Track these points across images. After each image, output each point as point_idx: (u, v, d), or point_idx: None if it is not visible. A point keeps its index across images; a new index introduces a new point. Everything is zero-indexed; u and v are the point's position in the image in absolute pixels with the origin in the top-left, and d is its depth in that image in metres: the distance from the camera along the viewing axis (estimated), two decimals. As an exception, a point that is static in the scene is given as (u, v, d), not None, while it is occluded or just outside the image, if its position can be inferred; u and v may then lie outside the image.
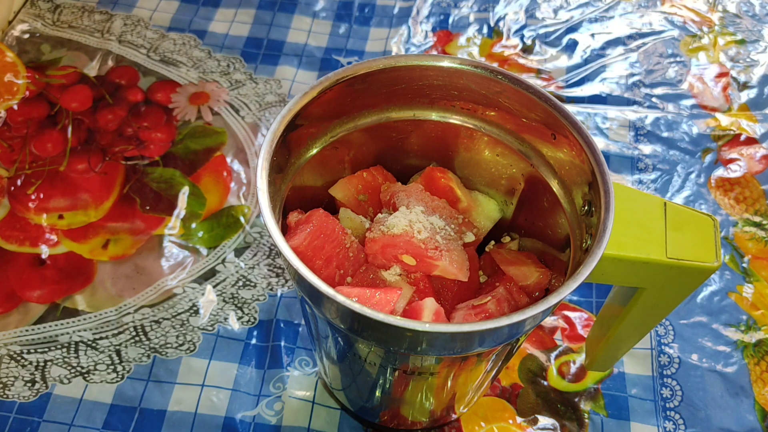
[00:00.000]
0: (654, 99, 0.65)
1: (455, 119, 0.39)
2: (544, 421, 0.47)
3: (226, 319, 0.50)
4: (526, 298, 0.37)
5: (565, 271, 0.35)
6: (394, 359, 0.33)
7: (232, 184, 0.58)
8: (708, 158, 0.61)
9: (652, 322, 0.38)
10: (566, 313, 0.52)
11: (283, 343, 0.49)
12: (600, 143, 0.62)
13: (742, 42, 0.70)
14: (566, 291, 0.28)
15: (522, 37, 0.71)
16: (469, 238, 0.38)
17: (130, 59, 0.66)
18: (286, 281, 0.52)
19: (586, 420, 0.47)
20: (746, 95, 0.66)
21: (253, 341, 0.50)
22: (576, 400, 0.48)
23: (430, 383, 0.36)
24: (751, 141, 0.62)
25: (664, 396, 0.48)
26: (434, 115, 0.39)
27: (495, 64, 0.46)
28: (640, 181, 0.60)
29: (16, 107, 0.62)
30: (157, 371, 0.48)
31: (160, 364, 0.48)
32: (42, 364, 0.48)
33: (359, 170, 0.40)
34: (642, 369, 0.49)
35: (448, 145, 0.40)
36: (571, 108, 0.55)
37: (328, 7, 0.73)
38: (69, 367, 0.48)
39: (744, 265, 0.55)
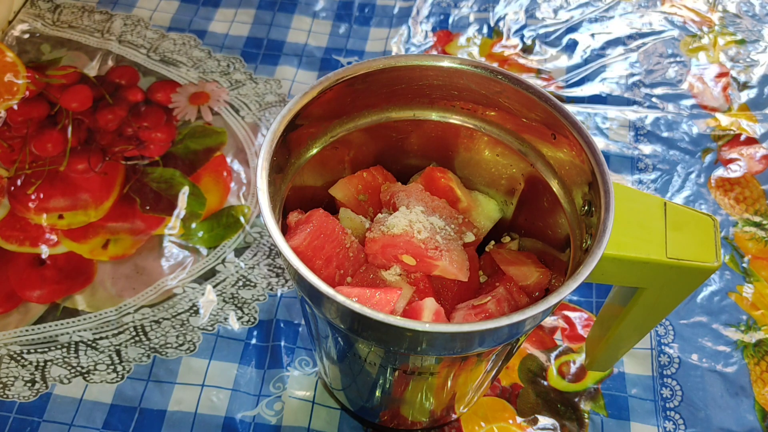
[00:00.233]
0: (654, 99, 0.65)
1: (455, 119, 0.39)
2: (544, 421, 0.47)
3: (226, 319, 0.50)
4: (526, 298, 0.37)
5: (565, 271, 0.35)
6: (394, 359, 0.33)
7: (232, 184, 0.58)
8: (708, 158, 0.61)
9: (652, 322, 0.38)
10: (566, 313, 0.52)
11: (283, 343, 0.49)
12: (600, 143, 0.62)
13: (742, 42, 0.70)
14: (566, 291, 0.28)
15: (522, 37, 0.71)
16: (469, 238, 0.38)
17: (130, 59, 0.66)
18: (286, 281, 0.52)
19: (586, 420, 0.47)
20: (746, 95, 0.66)
21: (253, 341, 0.50)
22: (576, 400, 0.48)
23: (430, 383, 0.36)
24: (751, 141, 0.62)
25: (664, 396, 0.48)
26: (434, 115, 0.39)
27: (495, 64, 0.46)
28: (640, 181, 0.60)
29: (16, 107, 0.62)
30: (157, 371, 0.48)
31: (160, 364, 0.48)
32: (42, 364, 0.48)
33: (359, 170, 0.40)
34: (642, 369, 0.49)
35: (448, 145, 0.40)
36: (571, 108, 0.55)
37: (328, 7, 0.73)
38: (69, 367, 0.48)
39: (744, 265, 0.55)
